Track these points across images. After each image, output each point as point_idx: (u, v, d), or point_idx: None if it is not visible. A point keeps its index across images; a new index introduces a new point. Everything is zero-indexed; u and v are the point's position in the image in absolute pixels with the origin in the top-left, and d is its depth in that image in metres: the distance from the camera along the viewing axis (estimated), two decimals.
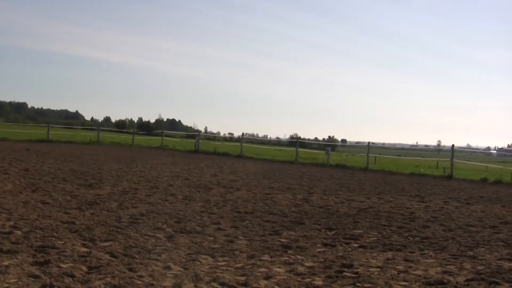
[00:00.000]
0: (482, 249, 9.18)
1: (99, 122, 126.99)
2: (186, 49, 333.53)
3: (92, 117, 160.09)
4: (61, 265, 6.60)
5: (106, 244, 8.00)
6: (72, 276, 6.11)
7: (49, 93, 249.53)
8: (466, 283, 6.86)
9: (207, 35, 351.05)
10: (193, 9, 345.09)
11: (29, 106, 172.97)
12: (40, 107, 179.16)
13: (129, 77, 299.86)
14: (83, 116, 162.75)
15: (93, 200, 12.27)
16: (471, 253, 8.79)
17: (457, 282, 6.84)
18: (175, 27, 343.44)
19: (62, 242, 7.88)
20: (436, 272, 7.37)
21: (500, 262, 8.20)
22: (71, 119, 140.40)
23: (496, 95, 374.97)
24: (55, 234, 8.41)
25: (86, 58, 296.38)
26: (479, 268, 7.72)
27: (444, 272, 7.39)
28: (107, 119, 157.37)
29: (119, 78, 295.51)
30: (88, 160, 25.50)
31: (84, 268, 6.54)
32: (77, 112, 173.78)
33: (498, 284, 6.86)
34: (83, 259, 6.94)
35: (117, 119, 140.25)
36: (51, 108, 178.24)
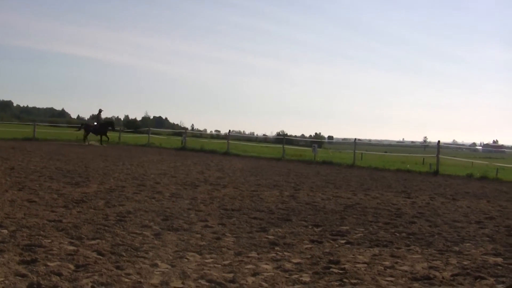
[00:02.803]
0: (467, 244, 9.26)
1: (85, 120, 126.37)
2: (171, 46, 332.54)
3: (78, 115, 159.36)
4: (48, 263, 6.59)
5: (93, 242, 7.99)
6: (60, 274, 6.10)
7: (34, 92, 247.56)
8: (452, 278, 6.93)
9: (192, 33, 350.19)
10: (177, 6, 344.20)
11: (15, 105, 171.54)
12: (25, 106, 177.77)
13: (115, 75, 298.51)
14: (69, 114, 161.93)
15: (80, 198, 12.24)
16: (457, 248, 8.86)
17: (443, 277, 6.90)
18: (160, 24, 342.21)
19: (49, 241, 7.87)
20: (422, 268, 7.43)
21: (485, 257, 8.28)
22: (57, 117, 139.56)
23: (481, 92, 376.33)
24: (42, 232, 8.38)
25: (72, 56, 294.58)
26: (465, 263, 7.79)
27: (430, 268, 7.45)
28: (93, 117, 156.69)
29: (105, 76, 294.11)
30: (75, 158, 25.41)
31: (72, 267, 6.53)
32: (63, 110, 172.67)
33: (484, 278, 6.92)
34: (70, 258, 6.93)
35: (103, 117, 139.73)
36: (37, 106, 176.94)
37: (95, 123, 44.13)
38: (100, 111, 44.39)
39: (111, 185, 15.15)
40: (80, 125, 47.42)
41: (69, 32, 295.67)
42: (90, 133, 42.95)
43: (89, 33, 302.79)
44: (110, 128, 44.12)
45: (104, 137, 43.05)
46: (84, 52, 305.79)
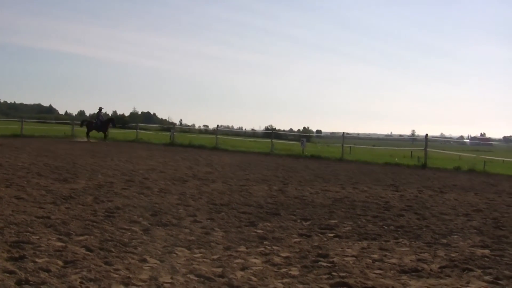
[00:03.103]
0: (455, 236, 9.32)
1: (73, 116, 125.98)
2: (160, 42, 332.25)
3: (66, 111, 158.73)
4: (37, 260, 6.57)
5: (81, 238, 7.97)
6: (48, 270, 6.09)
7: (22, 88, 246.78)
8: (440, 270, 6.97)
9: (181, 28, 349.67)
10: (166, 2, 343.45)
11: (2, 101, 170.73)
12: (13, 102, 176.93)
13: (103, 70, 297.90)
14: (57, 111, 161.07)
15: (68, 195, 12.20)
16: (444, 240, 8.91)
17: (431, 270, 6.94)
18: (147, 20, 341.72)
19: (37, 237, 7.84)
20: (410, 260, 7.47)
21: (473, 249, 8.33)
22: (44, 113, 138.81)
23: (469, 86, 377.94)
24: (30, 229, 8.35)
25: (60, 52, 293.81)
26: (453, 255, 7.84)
27: (419, 260, 7.49)
28: (82, 113, 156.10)
29: (93, 72, 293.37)
30: (63, 155, 25.31)
31: (60, 263, 6.51)
32: (50, 106, 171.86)
33: (471, 270, 6.97)
34: (58, 254, 6.91)
35: (92, 112, 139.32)
36: (24, 103, 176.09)
37: (95, 120, 44.07)
38: (100, 109, 44.48)
39: (99, 181, 15.11)
40: (81, 122, 47.04)
41: (57, 28, 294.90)
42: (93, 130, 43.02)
43: (77, 29, 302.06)
44: (111, 125, 43.96)
45: (105, 134, 43.02)
46: (72, 49, 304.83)
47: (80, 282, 5.71)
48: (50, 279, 5.76)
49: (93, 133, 43.24)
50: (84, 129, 43.95)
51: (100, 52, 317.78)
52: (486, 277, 6.67)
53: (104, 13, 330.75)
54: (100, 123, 43.37)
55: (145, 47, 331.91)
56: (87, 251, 7.20)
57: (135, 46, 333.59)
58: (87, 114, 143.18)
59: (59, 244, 7.52)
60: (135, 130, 50.68)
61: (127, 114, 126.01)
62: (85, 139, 42.01)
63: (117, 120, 51.08)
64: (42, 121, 73.59)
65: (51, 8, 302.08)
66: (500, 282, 6.46)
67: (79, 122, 48.14)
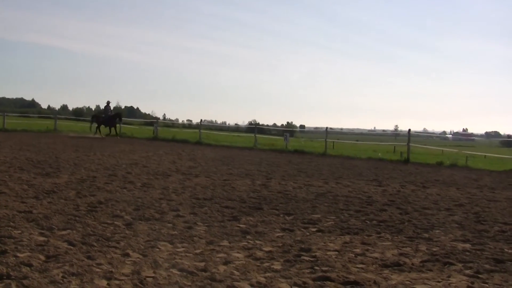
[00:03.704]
0: (437, 231, 9.38)
1: (56, 110, 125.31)
2: (143, 36, 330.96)
3: (48, 105, 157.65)
4: (18, 254, 6.55)
5: (64, 232, 7.95)
6: (30, 265, 6.07)
7: (3, 82, 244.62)
8: (421, 264, 7.01)
9: (164, 22, 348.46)
10: None
11: None
12: None
13: (86, 64, 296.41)
14: (40, 105, 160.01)
15: (51, 189, 12.15)
16: (426, 235, 8.97)
17: (412, 264, 6.99)
18: (131, 14, 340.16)
19: (19, 232, 7.81)
20: (392, 254, 7.51)
21: (454, 243, 8.39)
22: (27, 107, 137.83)
23: (451, 81, 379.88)
24: (11, 223, 8.31)
25: (42, 45, 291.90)
26: (434, 249, 7.89)
27: (401, 254, 7.53)
28: (64, 107, 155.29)
29: (76, 65, 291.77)
30: (45, 149, 25.19)
31: (42, 257, 6.49)
32: (33, 100, 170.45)
33: (452, 264, 7.02)
34: (40, 248, 6.89)
35: (75, 107, 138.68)
36: (6, 97, 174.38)
37: (103, 115, 43.06)
38: (108, 102, 43.32)
39: (82, 176, 15.06)
40: (92, 117, 46.15)
41: (38, 21, 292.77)
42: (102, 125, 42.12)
43: (58, 23, 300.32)
44: (118, 120, 42.98)
45: (112, 130, 42.13)
46: (55, 42, 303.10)
47: (62, 277, 5.69)
48: (32, 274, 5.75)
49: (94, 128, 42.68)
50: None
51: (83, 46, 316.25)
52: (467, 271, 6.72)
53: (87, 6, 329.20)
54: (107, 118, 42.13)
55: (128, 41, 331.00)
56: (69, 245, 7.18)
57: (118, 40, 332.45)
58: (70, 108, 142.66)
59: (41, 238, 7.50)
60: (118, 125, 50.50)
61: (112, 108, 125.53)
62: (98, 136, 41.05)
63: (99, 115, 50.52)
64: (25, 115, 73.11)
65: (33, 0, 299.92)
66: (480, 276, 6.51)
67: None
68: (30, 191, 11.83)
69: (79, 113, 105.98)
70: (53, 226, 8.25)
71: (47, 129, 46.06)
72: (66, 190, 12.20)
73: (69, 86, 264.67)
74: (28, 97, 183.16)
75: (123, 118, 47.05)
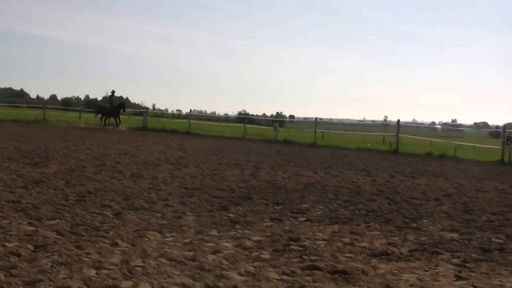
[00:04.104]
0: (425, 220, 9.43)
1: (45, 100, 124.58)
2: (134, 26, 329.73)
3: (37, 95, 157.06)
4: (7, 244, 6.53)
5: (52, 222, 7.94)
6: (18, 255, 6.06)
7: None
8: (409, 253, 7.07)
9: (154, 12, 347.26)
10: None
11: None
12: None
13: (75, 54, 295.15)
14: (28, 94, 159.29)
15: (39, 179, 12.11)
16: (414, 225, 9.02)
17: (400, 253, 7.03)
18: (121, 4, 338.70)
19: (8, 221, 7.78)
20: (381, 244, 7.55)
21: (442, 233, 8.44)
22: (15, 97, 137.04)
23: (440, 72, 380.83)
24: (0, 213, 8.30)
25: (31, 35, 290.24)
26: (422, 239, 7.94)
27: (389, 244, 7.58)
28: (53, 97, 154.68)
29: (65, 55, 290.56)
30: (34, 139, 25.08)
31: (31, 247, 6.49)
32: (22, 90, 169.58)
33: (440, 254, 7.07)
34: (29, 238, 6.88)
35: (64, 96, 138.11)
36: None
37: (108, 106, 42.10)
38: (113, 92, 42.18)
39: (71, 165, 15.01)
40: (98, 109, 45.10)
41: (27, 10, 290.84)
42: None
43: (48, 12, 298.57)
44: (122, 110, 41.85)
45: (115, 120, 41.11)
46: (44, 32, 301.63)
47: (51, 266, 5.69)
48: (21, 263, 5.74)
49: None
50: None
51: (73, 35, 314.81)
52: (454, 260, 6.77)
53: None
54: (112, 108, 40.95)
55: (119, 31, 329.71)
56: (58, 235, 7.17)
57: (108, 30, 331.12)
58: (59, 98, 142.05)
59: (30, 228, 7.48)
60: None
61: (99, 98, 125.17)
62: (103, 126, 40.34)
63: (88, 104, 50.13)
64: (13, 105, 72.76)
65: None
66: (467, 265, 6.56)
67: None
68: (19, 181, 11.79)
69: (68, 103, 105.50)
70: (42, 216, 8.23)
71: (36, 119, 45.80)
72: (55, 180, 12.17)
73: (58, 76, 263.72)
74: (16, 87, 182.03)
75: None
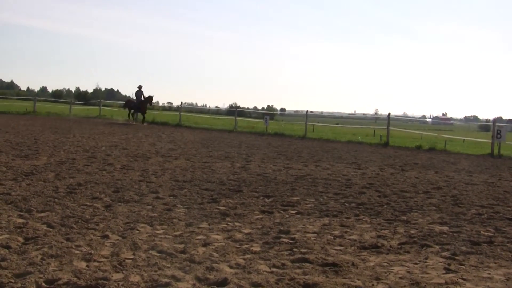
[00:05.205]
0: (415, 213, 9.46)
1: (35, 92, 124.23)
2: (124, 18, 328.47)
3: (28, 87, 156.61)
4: None
5: (43, 214, 7.93)
6: (8, 247, 6.06)
7: None
8: (399, 246, 7.09)
9: (146, 4, 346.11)
10: None
11: None
12: None
13: (65, 46, 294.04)
14: (18, 86, 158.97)
15: (30, 171, 12.08)
16: (404, 217, 9.05)
17: (390, 246, 7.06)
18: None
19: None
20: (371, 237, 7.58)
21: (431, 225, 8.47)
22: (5, 89, 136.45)
23: (431, 66, 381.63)
24: None
25: (21, 26, 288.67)
26: (412, 232, 7.97)
27: (379, 237, 7.61)
28: (44, 89, 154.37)
29: (56, 47, 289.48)
30: (24, 131, 25.01)
31: (21, 239, 6.48)
32: (12, 82, 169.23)
33: (429, 246, 7.10)
34: (19, 230, 6.87)
35: (54, 89, 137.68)
36: None
37: (135, 99, 40.48)
38: (140, 87, 39.73)
39: (61, 158, 14.98)
40: (125, 103, 43.91)
41: (17, 1, 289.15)
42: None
43: (37, 3, 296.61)
44: (149, 104, 40.35)
45: (143, 116, 39.43)
46: (34, 23, 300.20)
47: (41, 259, 5.69)
48: (11, 256, 5.74)
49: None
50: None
51: (64, 26, 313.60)
52: (444, 253, 6.80)
53: None
54: (139, 103, 39.30)
55: (109, 23, 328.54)
56: (48, 227, 7.17)
57: (99, 22, 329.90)
58: (49, 90, 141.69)
59: (20, 220, 7.47)
60: (98, 107, 50.28)
61: (90, 90, 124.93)
62: (130, 122, 39.25)
63: (79, 96, 49.86)
64: (3, 97, 72.44)
65: None
66: (456, 257, 6.59)
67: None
68: (9, 173, 11.76)
69: (58, 95, 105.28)
70: (32, 208, 8.22)
71: (26, 111, 45.68)
72: (45, 172, 12.14)
73: (48, 68, 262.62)
74: (6, 79, 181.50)
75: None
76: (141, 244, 6.51)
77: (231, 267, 5.79)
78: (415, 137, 40.58)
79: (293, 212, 9.18)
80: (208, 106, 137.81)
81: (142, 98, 39.26)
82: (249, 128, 38.41)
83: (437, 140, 34.85)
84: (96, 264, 5.67)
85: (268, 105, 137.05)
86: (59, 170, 12.47)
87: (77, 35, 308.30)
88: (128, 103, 41.57)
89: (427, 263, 6.31)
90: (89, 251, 6.07)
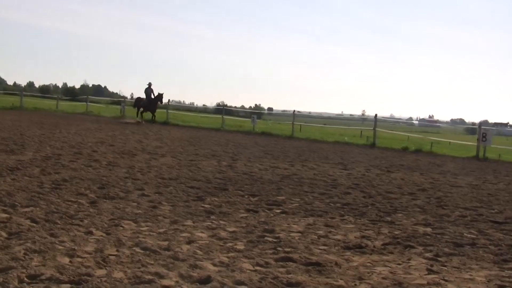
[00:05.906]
0: (399, 214, 9.50)
1: (22, 87, 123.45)
2: (113, 14, 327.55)
3: (14, 82, 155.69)
4: None
5: (27, 209, 7.90)
6: None
7: None
8: (383, 247, 7.13)
9: (129, 0, 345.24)
10: None
11: None
12: None
13: (53, 41, 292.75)
14: (5, 81, 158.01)
15: (15, 166, 12.01)
16: (389, 218, 9.09)
17: (374, 246, 7.09)
18: None
19: None
20: (355, 237, 7.61)
21: (415, 227, 8.52)
22: None
23: (418, 68, 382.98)
24: None
25: (8, 20, 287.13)
26: (396, 232, 8.01)
27: (363, 237, 7.64)
28: (31, 84, 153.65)
29: (43, 42, 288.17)
30: (10, 126, 24.88)
31: (4, 234, 6.45)
32: None
33: (413, 247, 7.14)
34: (2, 225, 6.84)
35: (41, 84, 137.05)
36: None
37: (145, 98, 38.21)
38: (149, 84, 37.86)
39: (47, 153, 14.92)
40: (134, 101, 41.14)
41: None
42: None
43: None
44: (159, 103, 38.06)
45: (153, 116, 38.03)
46: (20, 17, 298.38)
47: (24, 254, 5.67)
48: None
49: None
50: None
51: (52, 22, 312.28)
52: (427, 254, 6.83)
53: None
54: (148, 101, 37.38)
55: (97, 19, 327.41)
56: (32, 222, 7.14)
57: (86, 18, 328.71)
58: (36, 85, 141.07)
59: (4, 215, 7.43)
60: (85, 103, 50.14)
61: (77, 86, 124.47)
62: (137, 120, 37.27)
63: (66, 92, 49.64)
64: None
65: None
66: (439, 259, 6.63)
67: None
68: None
69: (45, 90, 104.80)
70: (16, 203, 8.18)
71: (13, 106, 45.44)
72: (30, 167, 12.09)
73: (36, 63, 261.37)
74: None
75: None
76: (125, 240, 6.51)
77: (214, 265, 5.80)
78: (402, 139, 40.66)
79: (278, 211, 9.19)
80: (195, 104, 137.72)
81: (152, 96, 37.49)
82: (236, 127, 38.41)
83: (423, 142, 34.97)
84: (79, 260, 5.66)
85: (256, 104, 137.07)
86: (44, 166, 12.42)
87: (66, 31, 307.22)
88: (137, 101, 39.22)
89: (410, 264, 6.35)
90: (73, 247, 6.06)
